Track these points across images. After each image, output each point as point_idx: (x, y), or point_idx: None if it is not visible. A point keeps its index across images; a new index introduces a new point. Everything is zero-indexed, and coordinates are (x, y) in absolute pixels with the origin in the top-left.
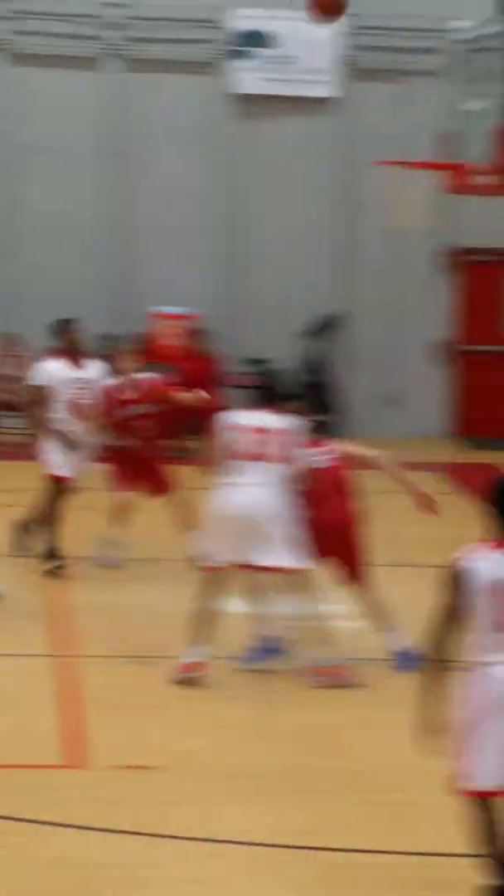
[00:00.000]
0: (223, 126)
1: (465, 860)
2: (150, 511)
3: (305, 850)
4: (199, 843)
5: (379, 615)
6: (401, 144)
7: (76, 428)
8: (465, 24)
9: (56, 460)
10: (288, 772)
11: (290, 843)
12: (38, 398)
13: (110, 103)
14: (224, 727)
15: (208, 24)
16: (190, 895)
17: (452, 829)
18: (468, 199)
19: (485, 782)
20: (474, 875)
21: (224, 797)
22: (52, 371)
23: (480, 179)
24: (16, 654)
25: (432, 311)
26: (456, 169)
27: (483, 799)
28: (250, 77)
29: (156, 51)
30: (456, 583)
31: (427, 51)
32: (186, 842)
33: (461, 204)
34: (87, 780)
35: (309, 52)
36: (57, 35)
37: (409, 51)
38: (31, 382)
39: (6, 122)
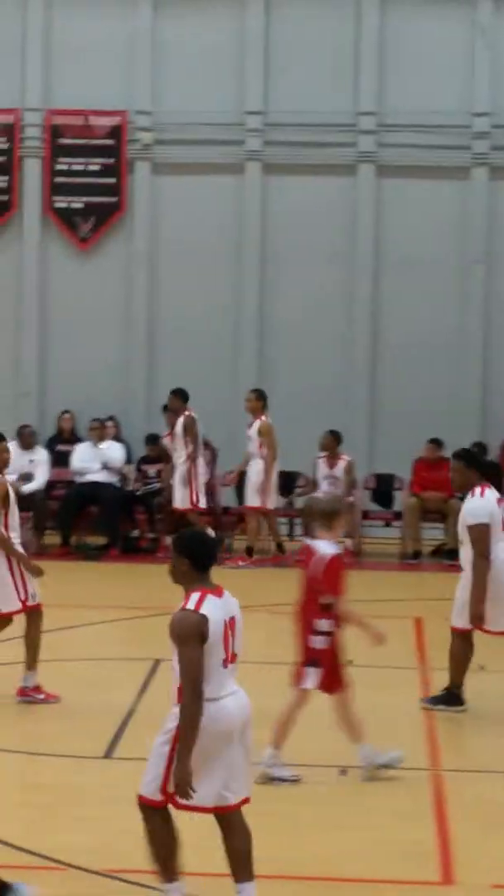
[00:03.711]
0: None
1: None
2: None
3: None
4: None
5: None
6: None
7: None
8: None
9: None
10: None
11: None
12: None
13: (476, 210)
14: None
15: None
16: None
17: None
18: None
19: (206, 801)
20: None
21: None
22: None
23: None
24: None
25: None
26: None
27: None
28: None
29: None
30: (198, 632)
31: None
32: None
33: None
34: None
35: None
36: (421, 146)
37: None
38: (478, 521)
39: (373, 235)
